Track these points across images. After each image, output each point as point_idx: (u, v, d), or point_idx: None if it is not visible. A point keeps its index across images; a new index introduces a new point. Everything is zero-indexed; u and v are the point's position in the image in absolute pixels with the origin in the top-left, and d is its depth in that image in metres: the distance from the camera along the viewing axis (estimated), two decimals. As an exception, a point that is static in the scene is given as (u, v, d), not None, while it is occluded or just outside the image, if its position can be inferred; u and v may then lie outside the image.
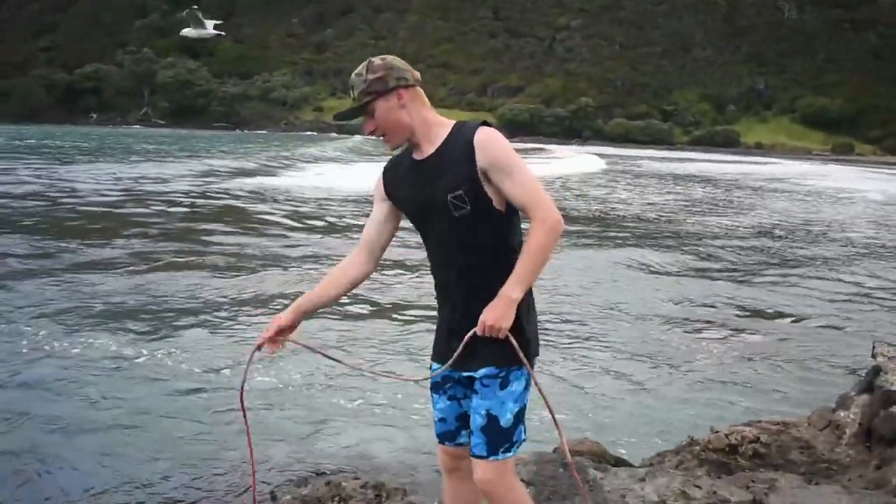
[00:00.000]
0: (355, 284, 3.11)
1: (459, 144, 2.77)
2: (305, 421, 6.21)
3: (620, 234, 18.65)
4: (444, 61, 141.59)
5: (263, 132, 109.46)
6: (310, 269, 12.39)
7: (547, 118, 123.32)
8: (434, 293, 3.01)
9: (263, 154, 47.67)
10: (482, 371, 2.79)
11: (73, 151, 44.38)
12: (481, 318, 2.70)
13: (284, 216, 19.01)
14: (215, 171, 32.97)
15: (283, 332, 3.08)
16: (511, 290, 2.69)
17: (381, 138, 2.89)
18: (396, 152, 3.03)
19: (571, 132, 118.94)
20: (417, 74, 2.91)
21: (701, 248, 16.76)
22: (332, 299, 3.14)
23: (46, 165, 31.86)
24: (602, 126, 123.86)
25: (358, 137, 79.88)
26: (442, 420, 3.02)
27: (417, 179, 2.87)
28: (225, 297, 10.24)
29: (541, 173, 39.98)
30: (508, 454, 2.84)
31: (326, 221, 18.42)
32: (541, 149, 77.68)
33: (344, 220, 18.86)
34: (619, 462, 4.72)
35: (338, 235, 16.14)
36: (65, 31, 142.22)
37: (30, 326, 8.34)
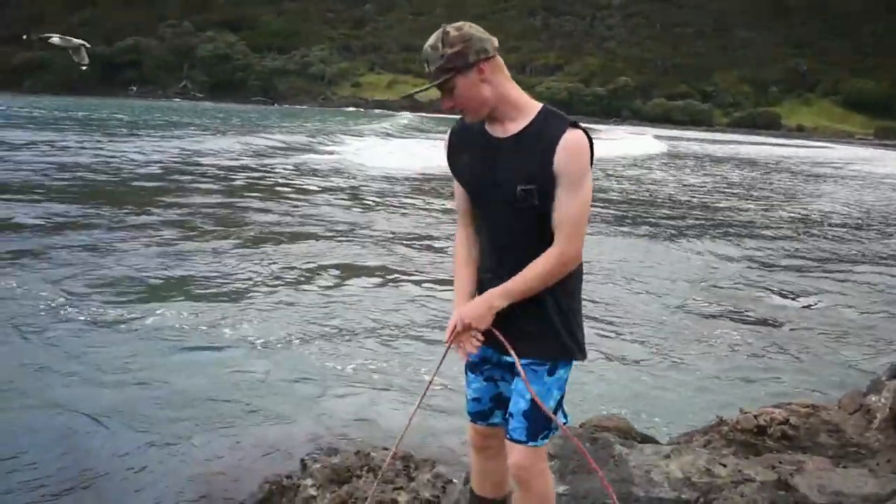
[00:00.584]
0: None
1: (545, 137, 2.61)
2: (329, 390, 6.29)
3: (652, 215, 18.52)
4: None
5: (304, 107, 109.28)
6: (342, 240, 12.50)
7: (586, 97, 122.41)
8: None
9: (310, 129, 47.44)
10: (526, 360, 2.74)
11: (115, 124, 44.78)
12: (460, 312, 2.71)
13: (327, 192, 19.01)
14: (260, 145, 32.62)
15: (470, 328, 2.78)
16: (496, 298, 2.68)
17: (460, 114, 2.74)
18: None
19: (610, 111, 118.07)
20: (496, 42, 2.69)
21: (733, 232, 16.62)
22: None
23: (90, 137, 32.18)
24: (641, 106, 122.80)
25: (407, 114, 78.91)
26: (476, 400, 2.98)
27: (488, 155, 2.72)
28: (256, 266, 10.37)
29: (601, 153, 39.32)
30: (546, 441, 2.82)
31: (369, 198, 18.43)
32: (589, 128, 76.49)
33: (395, 198, 18.82)
34: (646, 439, 4.74)
35: (382, 212, 16.15)
36: (104, 5, 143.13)
37: (57, 291, 8.55)
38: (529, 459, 2.78)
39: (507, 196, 2.65)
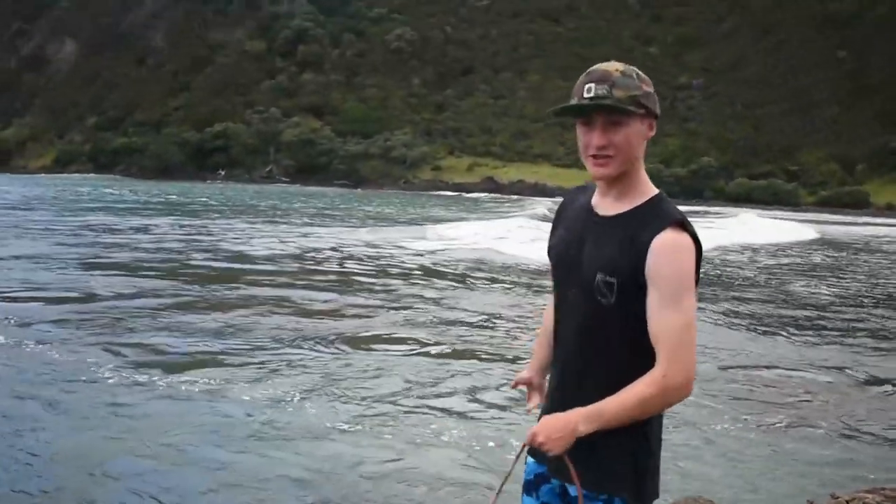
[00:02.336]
0: None
1: (644, 228, 2.24)
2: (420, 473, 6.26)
3: (728, 295, 18.14)
4: (562, 121, 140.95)
5: (390, 191, 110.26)
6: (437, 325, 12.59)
7: (667, 178, 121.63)
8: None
9: (423, 214, 46.97)
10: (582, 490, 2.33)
11: (207, 208, 46.22)
12: (533, 428, 2.27)
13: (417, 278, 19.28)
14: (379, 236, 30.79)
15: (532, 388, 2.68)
16: (582, 421, 2.21)
17: (598, 161, 2.31)
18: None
19: (692, 193, 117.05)
20: None
21: (812, 314, 16.17)
22: None
23: (186, 220, 33.40)
24: (724, 186, 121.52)
25: (538, 201, 70.05)
26: None
27: (583, 233, 2.39)
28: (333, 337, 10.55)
29: (750, 241, 36.64)
30: None
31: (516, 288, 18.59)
32: (705, 211, 70.22)
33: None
34: (733, 522, 4.65)
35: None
36: (197, 92, 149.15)
37: (122, 358, 9.11)
38: None
39: (585, 282, 2.31)
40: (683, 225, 2.24)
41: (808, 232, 47.16)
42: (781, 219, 60.46)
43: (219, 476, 5.90)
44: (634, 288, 2.23)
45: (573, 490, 2.34)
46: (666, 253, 2.20)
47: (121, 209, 39.70)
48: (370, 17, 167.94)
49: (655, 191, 2.37)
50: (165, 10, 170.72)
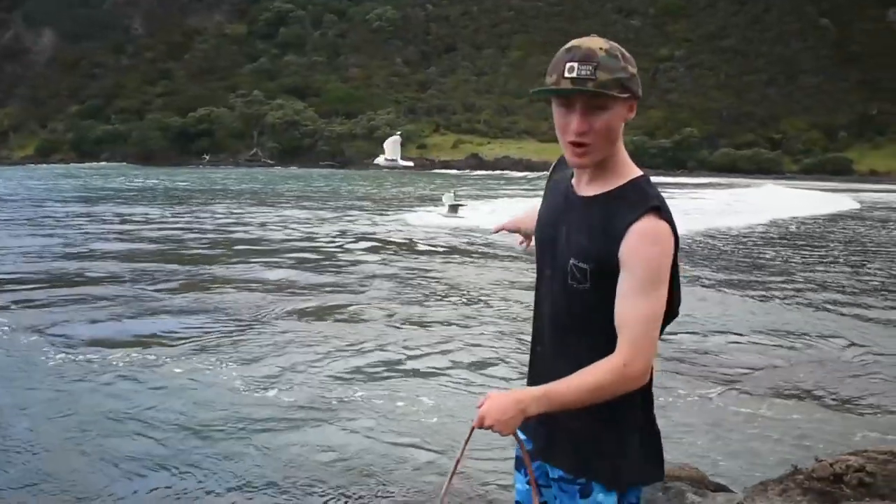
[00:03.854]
0: None
1: (621, 212, 2.12)
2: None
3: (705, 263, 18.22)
4: (546, 97, 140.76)
5: (374, 171, 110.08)
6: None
7: (651, 150, 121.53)
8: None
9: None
10: (558, 472, 2.30)
11: (192, 192, 46.02)
12: (481, 410, 2.11)
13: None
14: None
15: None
16: (531, 403, 2.09)
17: (578, 148, 2.16)
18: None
19: (676, 163, 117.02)
20: None
21: (795, 279, 16.27)
22: None
23: (176, 206, 33.32)
24: (707, 156, 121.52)
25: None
26: None
27: (562, 211, 2.29)
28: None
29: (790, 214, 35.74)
30: None
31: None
32: (728, 184, 68.09)
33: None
34: (719, 488, 4.73)
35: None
36: (179, 78, 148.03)
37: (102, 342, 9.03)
38: None
39: (561, 265, 2.22)
40: (660, 211, 2.10)
41: (847, 201, 46.17)
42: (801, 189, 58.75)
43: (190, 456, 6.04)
44: (608, 273, 2.12)
45: (553, 472, 2.31)
46: (643, 241, 2.07)
47: (108, 200, 39.49)
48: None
49: (637, 173, 2.23)
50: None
